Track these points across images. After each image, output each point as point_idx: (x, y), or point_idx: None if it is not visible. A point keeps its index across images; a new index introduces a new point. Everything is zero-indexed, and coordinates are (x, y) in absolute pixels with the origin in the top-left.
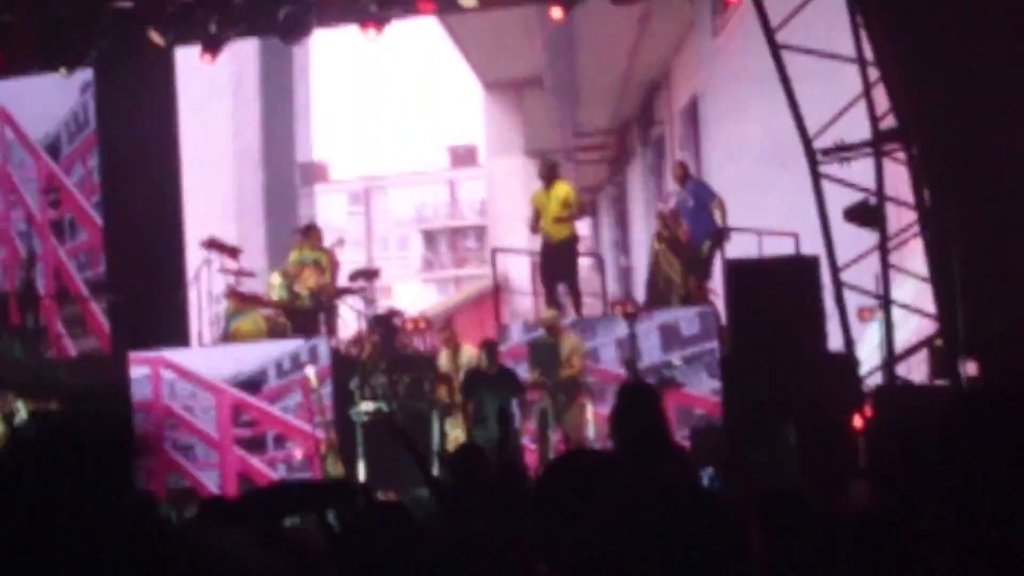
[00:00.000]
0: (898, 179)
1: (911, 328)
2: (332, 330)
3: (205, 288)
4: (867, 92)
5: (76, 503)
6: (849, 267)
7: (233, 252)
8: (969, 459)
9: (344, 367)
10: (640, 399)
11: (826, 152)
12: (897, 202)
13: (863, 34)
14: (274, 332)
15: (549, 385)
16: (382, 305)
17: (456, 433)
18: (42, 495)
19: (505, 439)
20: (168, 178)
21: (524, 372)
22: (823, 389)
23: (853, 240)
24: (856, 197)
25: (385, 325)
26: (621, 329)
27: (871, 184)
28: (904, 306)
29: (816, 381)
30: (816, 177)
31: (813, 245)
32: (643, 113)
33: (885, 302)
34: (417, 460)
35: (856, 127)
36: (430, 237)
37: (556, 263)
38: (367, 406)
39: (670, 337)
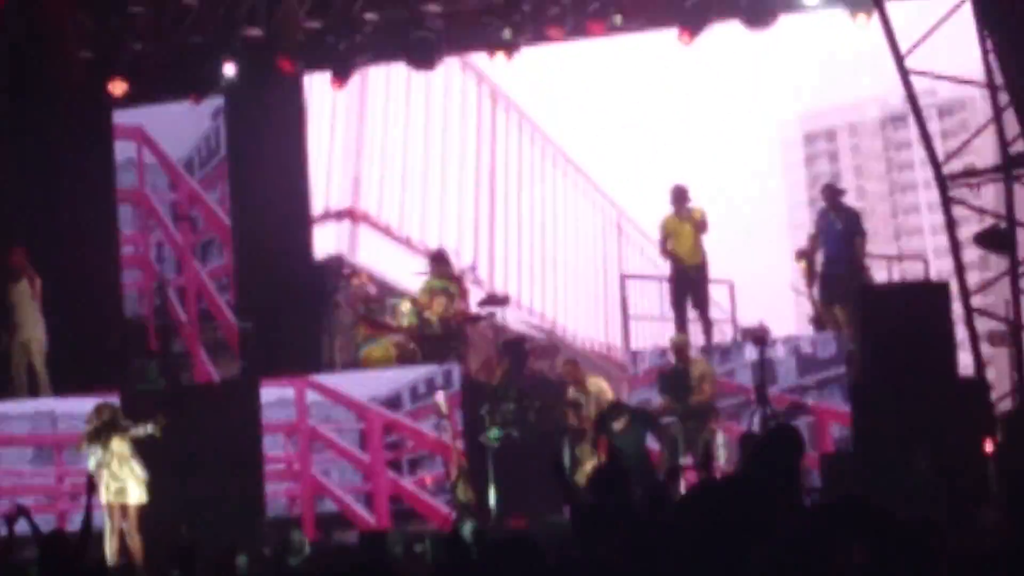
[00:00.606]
0: None
1: None
2: (461, 357)
3: (337, 314)
4: (997, 117)
5: None
6: (979, 292)
7: (364, 278)
8: None
9: (475, 393)
10: (782, 446)
11: (954, 177)
12: None
13: (993, 59)
14: (404, 359)
15: (679, 411)
16: (512, 331)
17: (587, 459)
18: None
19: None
20: (298, 204)
21: (654, 397)
22: (954, 415)
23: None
24: (986, 223)
25: (515, 351)
26: (752, 354)
27: (1002, 209)
28: None
29: (947, 407)
30: (946, 202)
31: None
32: None
33: (1015, 327)
34: (567, 492)
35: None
36: None
37: (688, 287)
38: (497, 432)
39: (807, 361)
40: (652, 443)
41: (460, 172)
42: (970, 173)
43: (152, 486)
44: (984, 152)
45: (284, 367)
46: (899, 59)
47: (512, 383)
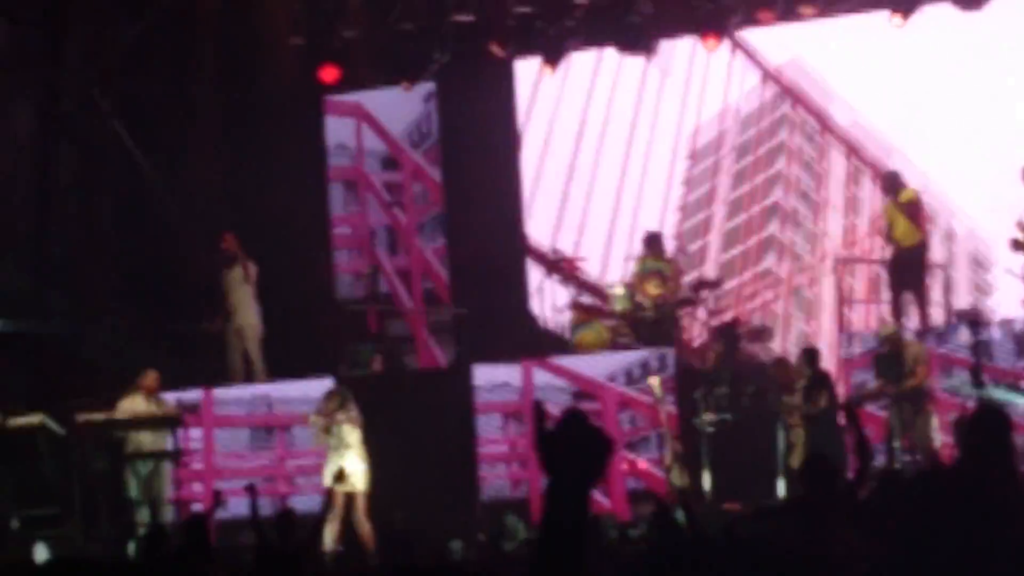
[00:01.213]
0: None
1: None
2: (675, 340)
3: (548, 300)
4: None
5: None
6: None
7: (575, 263)
8: None
9: (688, 377)
10: (992, 427)
11: None
12: None
13: None
14: (617, 343)
15: (894, 395)
16: (726, 315)
17: (800, 444)
18: None
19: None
20: (509, 189)
21: (870, 380)
22: None
23: None
24: None
25: (728, 335)
26: (967, 336)
27: None
28: None
29: None
30: None
31: None
32: None
33: None
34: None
35: None
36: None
37: (905, 270)
38: (711, 416)
39: None
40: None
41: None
42: None
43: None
44: None
45: (497, 351)
46: None
47: (726, 367)
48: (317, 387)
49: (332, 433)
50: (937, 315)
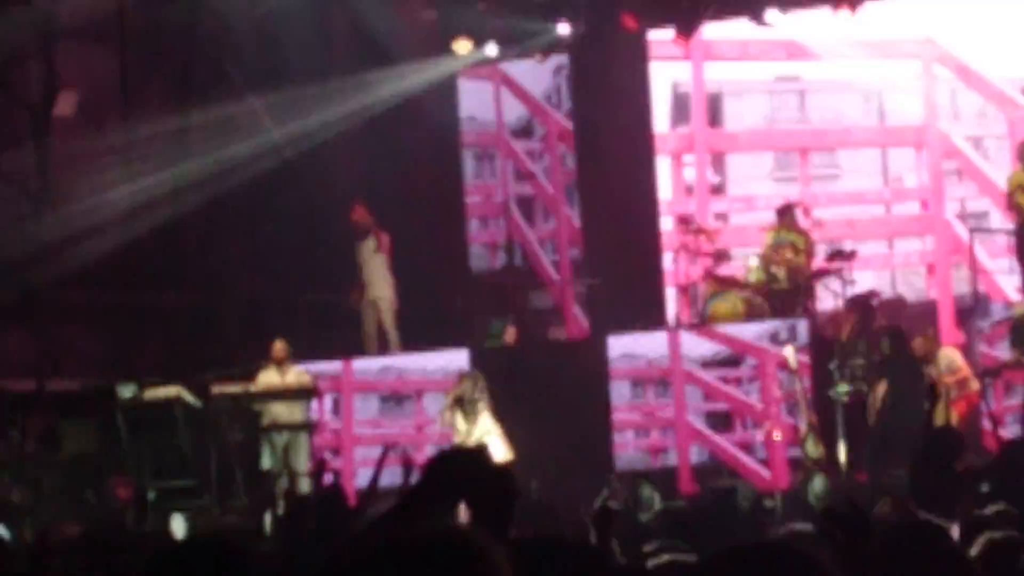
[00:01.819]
0: None
1: None
2: (810, 311)
3: (682, 270)
4: None
5: None
6: None
7: (710, 234)
8: None
9: (823, 348)
10: None
11: None
12: None
13: None
14: (752, 314)
15: None
16: (860, 286)
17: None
18: None
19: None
20: (642, 160)
21: (1004, 352)
22: None
23: None
24: None
25: (863, 306)
26: None
27: None
28: None
29: None
30: None
31: None
32: None
33: None
34: None
35: None
36: None
37: None
38: (846, 387)
39: None
40: None
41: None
42: None
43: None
44: None
45: (629, 325)
46: None
47: (861, 338)
48: (451, 359)
49: (471, 419)
50: None
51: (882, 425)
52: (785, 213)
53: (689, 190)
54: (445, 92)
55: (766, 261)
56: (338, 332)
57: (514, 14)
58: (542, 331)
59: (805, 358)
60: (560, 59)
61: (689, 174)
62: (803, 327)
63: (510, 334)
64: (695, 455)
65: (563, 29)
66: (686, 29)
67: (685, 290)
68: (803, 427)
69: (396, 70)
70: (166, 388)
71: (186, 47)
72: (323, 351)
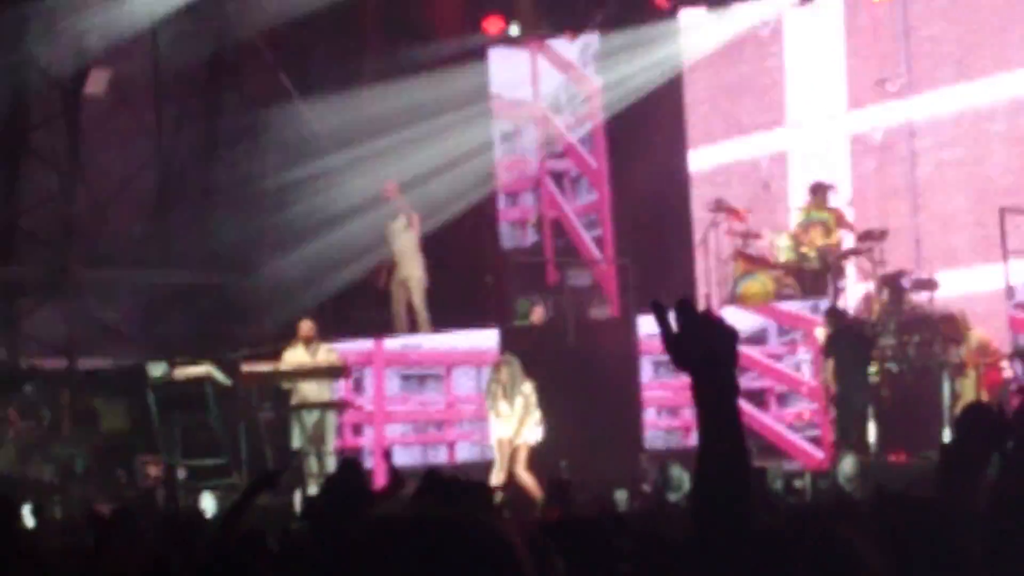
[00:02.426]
0: None
1: None
2: (839, 291)
3: (713, 250)
4: None
5: None
6: None
7: (740, 214)
8: None
9: (853, 329)
10: None
11: None
12: None
13: None
14: (782, 294)
15: None
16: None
17: (968, 394)
18: None
19: None
20: (673, 140)
21: None
22: None
23: None
24: None
25: (893, 285)
26: None
27: None
28: None
29: None
30: None
31: None
32: None
33: None
34: None
35: None
36: None
37: None
38: (876, 367)
39: None
40: None
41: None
42: None
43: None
44: None
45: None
46: None
47: (891, 317)
48: (480, 338)
49: (510, 402)
50: None
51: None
52: (816, 192)
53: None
54: (477, 68)
55: (796, 241)
56: (368, 312)
57: None
58: (582, 310)
59: None
60: (589, 38)
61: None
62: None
63: (537, 314)
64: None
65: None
66: (718, 7)
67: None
68: (833, 408)
69: (429, 48)
70: (196, 367)
71: (217, 24)
72: (352, 330)
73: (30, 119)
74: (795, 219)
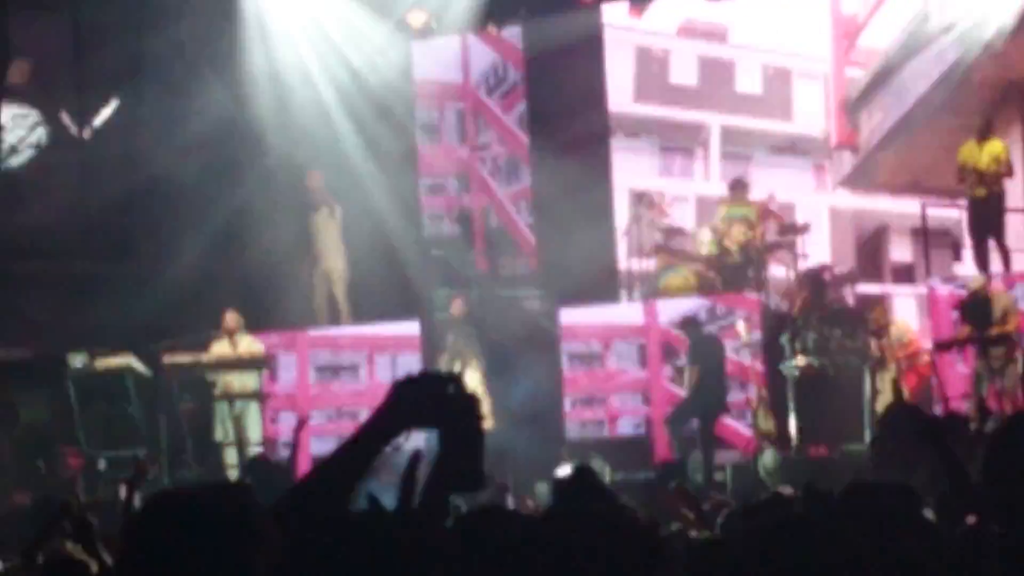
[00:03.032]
0: None
1: None
2: (761, 285)
3: (635, 244)
4: None
5: None
6: None
7: (662, 208)
8: None
9: (775, 322)
10: None
11: None
12: None
13: None
14: (703, 287)
15: (981, 342)
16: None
17: (887, 390)
18: None
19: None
20: (596, 133)
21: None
22: None
23: None
24: None
25: (815, 280)
26: None
27: None
28: None
29: None
30: None
31: None
32: None
33: None
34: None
35: None
36: None
37: (984, 218)
38: (798, 361)
39: None
40: None
41: None
42: None
43: None
44: None
45: (583, 297)
46: None
47: (812, 311)
48: (400, 329)
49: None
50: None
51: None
52: (737, 187)
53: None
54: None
55: (719, 235)
56: (290, 304)
57: None
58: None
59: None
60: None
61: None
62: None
63: (456, 305)
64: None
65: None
66: (640, 3)
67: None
68: (754, 400)
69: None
70: (117, 358)
71: (140, 15)
72: (274, 322)
73: None
74: (718, 213)
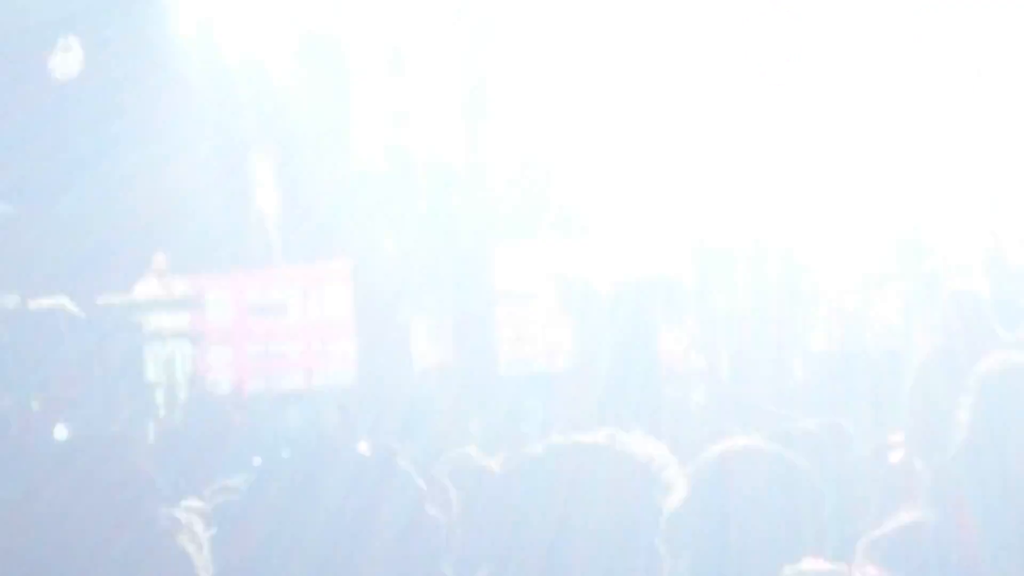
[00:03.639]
0: None
1: None
2: None
3: None
4: None
5: None
6: None
7: None
8: None
9: None
10: None
11: None
12: None
13: None
14: None
15: None
16: None
17: None
18: None
19: None
20: None
21: None
22: None
23: None
24: None
25: None
26: None
27: None
28: None
29: None
30: None
31: None
32: None
33: None
34: None
35: None
36: None
37: None
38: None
39: None
40: None
41: None
42: None
43: None
44: None
45: None
46: None
47: None
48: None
49: None
50: None
51: None
52: None
53: None
54: None
55: None
56: (222, 245)
57: None
58: None
59: None
60: None
61: None
62: None
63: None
64: None
65: None
66: None
67: None
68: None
69: None
70: (50, 298)
71: None
72: (206, 264)
73: None
74: None
